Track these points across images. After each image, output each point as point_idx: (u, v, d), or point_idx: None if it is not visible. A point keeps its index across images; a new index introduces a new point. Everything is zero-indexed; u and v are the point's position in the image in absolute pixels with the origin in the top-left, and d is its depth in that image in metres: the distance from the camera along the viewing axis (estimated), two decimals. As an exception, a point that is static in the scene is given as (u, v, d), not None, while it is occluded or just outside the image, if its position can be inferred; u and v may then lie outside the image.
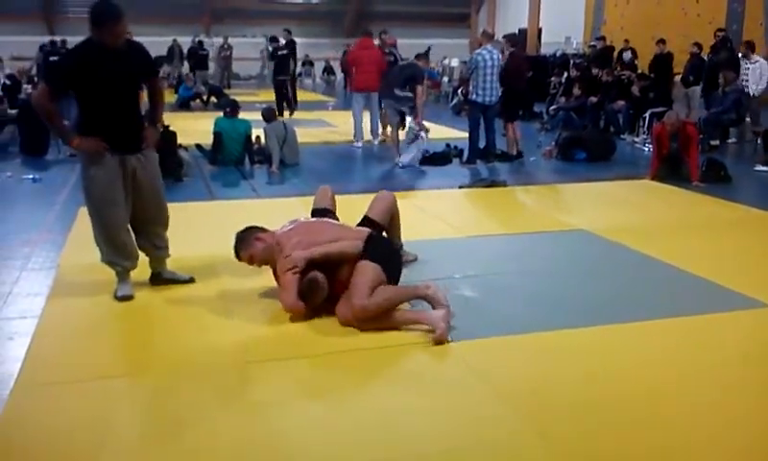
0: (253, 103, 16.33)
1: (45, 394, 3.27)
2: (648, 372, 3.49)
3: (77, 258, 5.14)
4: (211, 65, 22.12)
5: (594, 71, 14.32)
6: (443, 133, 12.26)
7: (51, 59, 17.42)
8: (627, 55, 15.54)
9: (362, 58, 11.10)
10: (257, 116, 9.81)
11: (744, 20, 18.33)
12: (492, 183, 8.26)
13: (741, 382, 3.42)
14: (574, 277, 4.93)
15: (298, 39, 16.85)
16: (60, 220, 6.38)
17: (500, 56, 9.79)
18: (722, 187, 8.05)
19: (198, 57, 20.40)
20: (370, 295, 3.88)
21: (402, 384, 3.43)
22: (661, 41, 13.88)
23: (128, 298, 4.39)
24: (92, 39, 4.19)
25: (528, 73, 10.90)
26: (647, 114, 12.20)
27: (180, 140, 8.80)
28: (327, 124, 13.85)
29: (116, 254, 4.43)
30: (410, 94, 9.67)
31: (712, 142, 10.99)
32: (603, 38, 17.61)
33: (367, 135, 11.17)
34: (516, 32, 15.19)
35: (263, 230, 4.41)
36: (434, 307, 3.98)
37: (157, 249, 4.61)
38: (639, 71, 14.33)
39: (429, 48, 11.84)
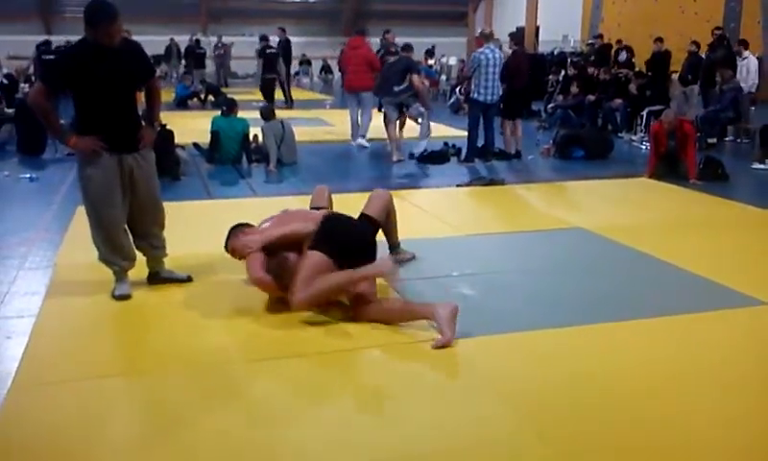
0: (251, 101, 16.33)
1: (43, 393, 3.26)
2: (646, 369, 3.49)
3: (74, 257, 5.13)
4: (209, 64, 22.11)
5: (591, 70, 14.33)
6: (440, 131, 12.27)
7: (44, 57, 17.44)
8: (622, 55, 15.56)
9: (350, 57, 11.03)
10: (255, 115, 9.81)
11: (741, 18, 18.36)
12: (490, 182, 8.27)
13: (739, 380, 3.43)
14: (572, 275, 4.93)
15: (295, 38, 16.88)
16: (58, 219, 6.37)
17: (502, 54, 9.79)
18: (719, 185, 8.06)
19: (195, 55, 20.38)
20: (307, 287, 3.92)
21: (401, 383, 3.42)
22: (659, 40, 13.90)
23: (125, 297, 4.39)
24: (88, 39, 4.18)
25: (529, 71, 10.83)
26: (644, 112, 12.22)
27: (177, 139, 8.79)
28: (325, 123, 13.84)
29: (113, 254, 4.42)
30: (408, 87, 9.72)
31: (710, 140, 11.01)
32: (601, 36, 17.63)
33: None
34: (515, 29, 15.19)
35: (250, 226, 4.56)
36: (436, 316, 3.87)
37: (154, 248, 4.61)
38: (637, 69, 14.35)
39: (433, 47, 11.87)
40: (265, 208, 5.29)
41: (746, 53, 12.03)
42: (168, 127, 8.55)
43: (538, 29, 24.74)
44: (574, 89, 13.74)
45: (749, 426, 3.01)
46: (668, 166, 8.47)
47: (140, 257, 4.59)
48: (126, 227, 4.46)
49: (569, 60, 16.95)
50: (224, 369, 3.52)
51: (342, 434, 2.92)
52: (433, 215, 6.58)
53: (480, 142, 9.85)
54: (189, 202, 7.08)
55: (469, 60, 10.35)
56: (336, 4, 29.93)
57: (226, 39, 23.19)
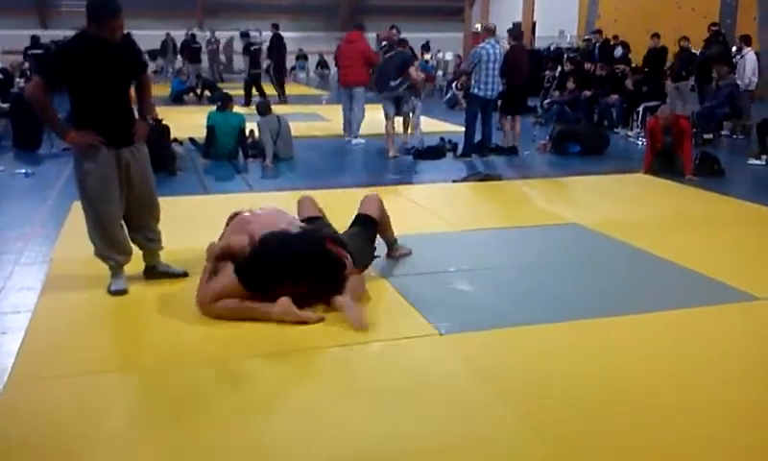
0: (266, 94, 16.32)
1: (39, 388, 3.26)
2: (643, 365, 3.50)
3: (70, 253, 5.12)
4: (204, 59, 22.07)
5: (588, 66, 14.33)
6: (437, 126, 12.27)
7: (31, 52, 17.41)
8: (618, 51, 15.56)
9: (346, 52, 10.95)
10: (253, 110, 9.81)
11: (737, 14, 18.37)
12: (486, 177, 8.27)
13: (736, 376, 3.44)
14: (568, 270, 4.94)
15: (292, 33, 16.83)
16: (53, 214, 6.36)
17: (502, 50, 9.78)
18: (715, 181, 8.08)
19: (191, 50, 20.34)
20: (212, 301, 3.95)
21: (397, 379, 3.42)
22: (656, 35, 13.89)
23: (121, 292, 4.39)
24: (86, 33, 4.19)
25: (528, 67, 10.81)
26: (641, 108, 12.23)
27: (173, 134, 8.78)
28: (321, 118, 13.83)
29: (110, 249, 4.42)
30: (407, 80, 9.74)
31: (705, 136, 11.03)
32: (599, 32, 17.61)
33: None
34: (512, 25, 15.19)
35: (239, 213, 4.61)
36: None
37: (150, 241, 4.61)
38: (633, 65, 14.35)
39: (428, 42, 11.88)
40: (261, 203, 5.28)
41: (746, 49, 12.02)
42: (164, 122, 8.55)
43: (534, 24, 24.72)
44: (570, 85, 13.74)
45: (747, 422, 3.02)
46: (664, 162, 8.48)
47: (137, 253, 4.58)
48: (122, 221, 4.47)
49: (566, 56, 16.95)
50: (220, 364, 3.52)
51: (339, 430, 2.92)
52: (429, 211, 6.59)
53: (477, 137, 9.85)
54: (185, 197, 7.08)
55: (469, 54, 10.32)
56: (332, -1, 29.89)
57: (219, 34, 23.16)
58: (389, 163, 9.46)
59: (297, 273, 3.98)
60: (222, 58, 23.18)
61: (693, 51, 13.26)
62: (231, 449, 2.78)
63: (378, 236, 4.84)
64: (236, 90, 14.06)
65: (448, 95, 17.05)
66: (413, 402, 3.13)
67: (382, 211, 4.84)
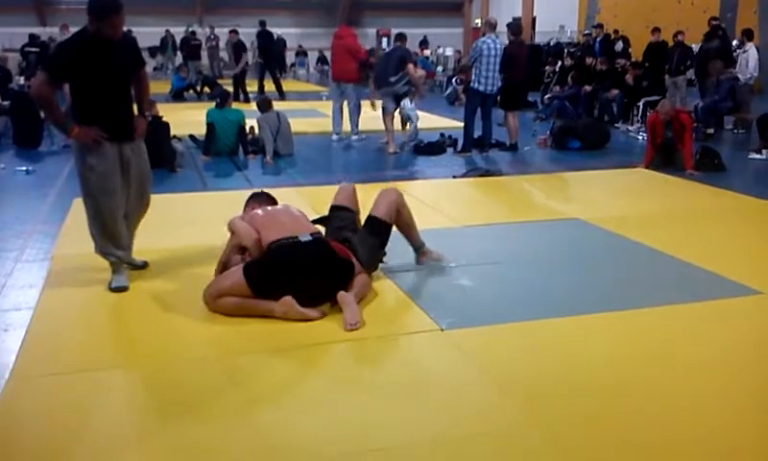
0: (248, 93, 16.33)
1: (40, 385, 3.26)
2: (644, 360, 3.50)
3: (71, 250, 5.12)
4: (203, 56, 22.04)
5: (588, 61, 14.32)
6: (437, 122, 12.27)
7: (28, 50, 17.42)
8: (619, 45, 15.54)
9: (335, 48, 10.97)
10: (253, 106, 9.80)
11: (738, 8, 18.35)
12: (486, 173, 8.26)
13: (738, 370, 3.43)
14: (569, 265, 4.93)
15: (291, 29, 16.82)
16: (54, 212, 6.36)
17: (502, 45, 9.77)
18: (716, 175, 8.07)
19: (191, 47, 20.33)
20: (217, 297, 3.98)
21: (398, 372, 3.43)
22: (656, 30, 13.87)
23: (122, 289, 4.39)
24: (87, 30, 4.22)
25: (527, 63, 10.79)
26: (641, 103, 12.21)
27: (173, 131, 8.77)
28: (321, 114, 13.80)
29: (110, 244, 4.44)
30: (406, 76, 9.73)
31: (708, 130, 11.01)
32: (600, 26, 17.59)
33: (346, 126, 10.90)
34: (512, 20, 15.16)
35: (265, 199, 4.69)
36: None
37: (132, 232, 4.67)
38: (633, 60, 14.33)
39: (425, 37, 11.88)
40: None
41: (747, 44, 12.00)
42: (164, 119, 8.54)
43: (534, 19, 24.71)
44: (571, 80, 13.73)
45: (752, 416, 3.02)
46: (665, 157, 8.48)
47: (136, 249, 4.58)
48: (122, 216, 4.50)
49: (566, 51, 16.94)
50: (221, 361, 3.51)
51: (339, 424, 2.92)
52: (429, 206, 6.58)
53: (477, 133, 9.83)
54: (185, 194, 7.08)
55: (471, 49, 10.30)
56: (332, -6, 29.85)
57: (219, 31, 23.14)
58: (389, 159, 9.46)
59: (306, 281, 3.97)
60: (222, 54, 23.15)
61: (688, 45, 13.22)
62: (235, 445, 2.77)
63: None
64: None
65: (448, 90, 17.05)
66: (414, 397, 3.13)
67: (398, 211, 4.54)
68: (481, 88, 9.54)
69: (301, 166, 8.83)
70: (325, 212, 4.76)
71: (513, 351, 3.61)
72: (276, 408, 3.07)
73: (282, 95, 16.40)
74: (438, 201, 6.84)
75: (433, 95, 17.85)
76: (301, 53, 27.85)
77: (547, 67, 16.36)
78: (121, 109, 4.38)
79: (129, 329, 4.00)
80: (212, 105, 9.67)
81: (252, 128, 9.54)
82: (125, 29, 4.43)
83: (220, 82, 17.58)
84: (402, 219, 4.60)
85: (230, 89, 12.08)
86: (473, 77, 9.65)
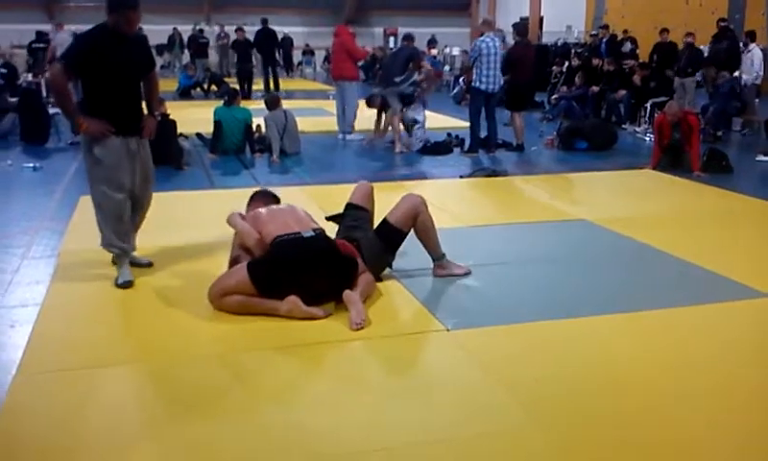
0: (255, 91, 16.36)
1: (47, 381, 3.27)
2: (652, 360, 3.49)
3: (78, 246, 5.14)
4: (212, 53, 22.07)
5: (595, 61, 14.29)
6: (444, 122, 12.25)
7: (35, 46, 17.49)
8: (627, 46, 15.50)
9: (333, 46, 11.09)
10: (262, 105, 9.80)
11: (746, 10, 18.29)
12: (492, 173, 8.25)
13: (743, 373, 3.42)
14: (576, 267, 4.93)
15: (298, 28, 16.80)
16: (61, 208, 6.38)
17: (501, 44, 9.75)
18: (723, 177, 8.04)
19: (198, 45, 20.36)
20: (222, 296, 3.97)
21: (403, 372, 3.43)
22: (665, 31, 13.83)
23: (128, 284, 4.42)
24: (105, 25, 4.35)
25: (533, 63, 10.76)
26: (648, 104, 12.18)
27: (180, 129, 8.79)
28: (328, 113, 13.81)
29: (116, 237, 4.50)
30: (411, 76, 9.73)
31: (718, 133, 10.98)
32: (606, 27, 17.55)
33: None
34: (519, 20, 15.10)
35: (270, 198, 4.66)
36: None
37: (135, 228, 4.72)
38: (641, 60, 14.30)
39: (433, 36, 11.88)
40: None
41: (752, 45, 12.00)
42: (171, 117, 8.55)
43: (541, 19, 24.66)
44: (578, 81, 13.71)
45: (755, 417, 3.00)
46: (672, 158, 8.46)
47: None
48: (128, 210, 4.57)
49: (573, 52, 16.90)
50: (228, 358, 3.52)
51: (344, 423, 2.92)
52: (436, 206, 6.51)
53: (483, 133, 9.82)
54: (192, 191, 7.09)
55: (470, 49, 10.31)
56: (340, -6, 29.83)
57: (228, 29, 23.15)
58: (395, 158, 9.45)
59: (310, 277, 3.96)
60: (231, 52, 23.23)
61: (698, 47, 13.20)
62: (240, 444, 2.77)
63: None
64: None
65: (455, 90, 17.04)
66: (419, 397, 3.13)
67: (415, 218, 4.44)
68: (482, 87, 9.53)
69: (308, 165, 8.84)
70: (335, 210, 4.76)
71: (518, 351, 3.61)
72: (280, 407, 3.07)
73: (277, 89, 16.40)
74: (444, 200, 6.83)
75: (440, 95, 17.83)
76: (308, 52, 27.86)
77: (554, 68, 16.32)
78: (130, 105, 4.47)
79: (135, 326, 4.01)
80: (219, 103, 9.69)
81: (258, 126, 9.55)
82: (138, 26, 4.52)
83: (227, 80, 17.61)
84: (419, 226, 4.49)
85: (236, 87, 12.07)
86: (474, 76, 9.63)
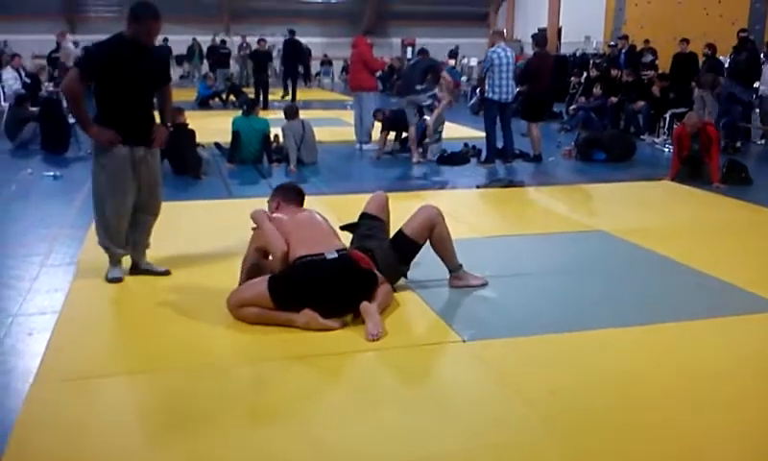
0: (273, 101, 16.44)
1: (65, 389, 3.29)
2: (667, 374, 3.46)
3: (96, 255, 5.14)
4: (233, 64, 22.20)
5: (614, 72, 14.22)
6: (461, 132, 12.24)
7: (55, 56, 17.75)
8: (647, 57, 15.41)
9: (351, 57, 11.21)
10: (279, 115, 9.83)
11: (767, 20, 18.14)
12: (509, 183, 8.23)
13: (761, 385, 3.38)
14: (593, 278, 4.89)
15: (317, 39, 16.88)
16: (80, 217, 6.42)
17: (514, 54, 9.76)
18: (743, 189, 7.97)
19: (219, 55, 20.49)
20: (240, 307, 3.97)
21: (419, 383, 3.42)
22: (685, 41, 13.75)
23: (117, 280, 4.59)
24: (123, 36, 4.42)
25: (552, 74, 10.73)
26: (667, 115, 12.11)
27: (198, 139, 8.84)
28: (345, 123, 13.82)
29: (112, 242, 4.61)
30: (430, 87, 9.76)
31: (736, 144, 10.89)
32: (626, 38, 17.48)
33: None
34: (537, 31, 15.06)
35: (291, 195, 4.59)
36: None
37: (145, 236, 4.77)
38: (660, 71, 14.22)
39: (457, 47, 11.91)
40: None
41: (771, 56, 11.91)
42: (189, 126, 8.61)
43: (560, 30, 24.60)
44: (596, 91, 13.65)
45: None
46: (691, 169, 8.39)
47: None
48: (128, 218, 4.64)
49: (591, 62, 16.84)
50: (245, 367, 3.53)
51: (360, 435, 2.91)
52: (452, 217, 6.50)
53: (500, 143, 9.80)
54: (210, 201, 7.12)
55: (483, 60, 10.34)
56: (357, 4, 29.92)
57: (250, 40, 23.30)
58: (412, 168, 9.45)
59: (329, 296, 3.93)
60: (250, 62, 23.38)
61: (718, 58, 13.10)
62: (254, 456, 2.77)
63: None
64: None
65: (473, 100, 17.02)
66: (435, 408, 3.12)
67: (431, 229, 4.42)
68: (495, 97, 9.53)
69: (325, 175, 8.85)
70: (352, 220, 4.76)
71: (534, 363, 3.58)
72: (295, 418, 3.07)
73: (293, 100, 16.53)
74: (461, 211, 6.81)
75: (457, 105, 17.81)
76: (327, 62, 27.95)
77: (573, 78, 16.27)
78: (140, 115, 4.53)
79: (153, 335, 4.01)
80: (238, 113, 9.74)
81: (276, 136, 9.59)
82: (161, 38, 4.54)
83: (245, 89, 17.71)
84: (435, 238, 4.47)
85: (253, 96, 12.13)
86: (487, 87, 9.65)
